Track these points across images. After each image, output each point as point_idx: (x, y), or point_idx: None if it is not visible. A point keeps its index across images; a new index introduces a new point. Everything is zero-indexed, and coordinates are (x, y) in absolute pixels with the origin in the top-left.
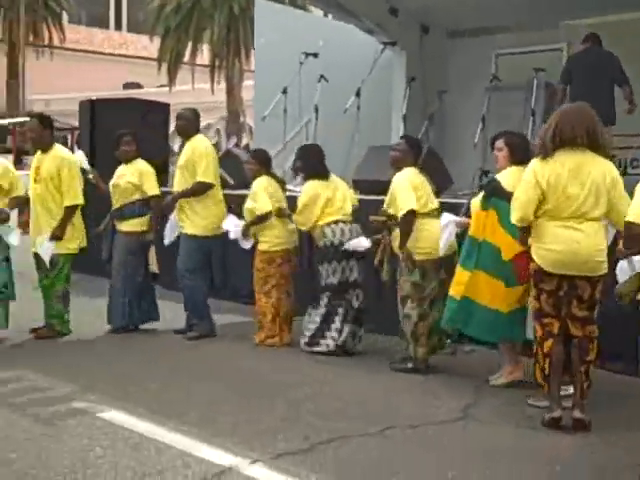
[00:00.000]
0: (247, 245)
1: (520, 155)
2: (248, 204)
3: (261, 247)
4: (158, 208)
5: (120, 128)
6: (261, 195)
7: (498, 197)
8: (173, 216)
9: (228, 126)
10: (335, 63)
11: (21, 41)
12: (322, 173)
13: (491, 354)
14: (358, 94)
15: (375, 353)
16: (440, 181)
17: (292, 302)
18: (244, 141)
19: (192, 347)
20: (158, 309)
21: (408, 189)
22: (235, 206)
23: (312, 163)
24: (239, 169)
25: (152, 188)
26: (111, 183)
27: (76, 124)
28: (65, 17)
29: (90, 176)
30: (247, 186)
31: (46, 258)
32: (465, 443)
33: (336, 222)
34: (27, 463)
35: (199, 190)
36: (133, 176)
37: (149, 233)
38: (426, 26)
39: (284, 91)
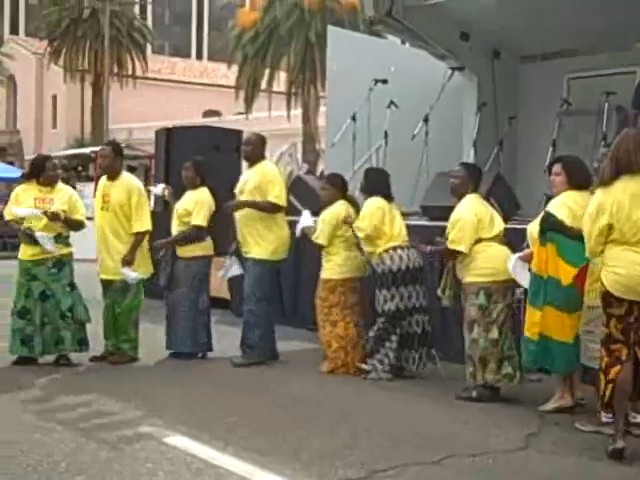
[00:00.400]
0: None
1: (578, 179)
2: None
3: (324, 275)
4: (197, 237)
5: (194, 155)
6: (325, 227)
7: (555, 231)
8: (232, 257)
9: (305, 153)
10: (404, 89)
11: (106, 72)
12: (387, 195)
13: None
14: (426, 120)
15: (439, 380)
16: (508, 207)
17: (360, 331)
18: (320, 167)
19: (256, 373)
20: (211, 339)
21: (469, 226)
22: None
23: (378, 185)
24: (308, 196)
25: (196, 217)
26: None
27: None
28: (148, 48)
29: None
30: (317, 212)
31: (133, 283)
32: (525, 474)
33: (394, 248)
34: None
35: (269, 209)
36: (189, 203)
37: (209, 258)
38: (497, 51)
39: (353, 117)
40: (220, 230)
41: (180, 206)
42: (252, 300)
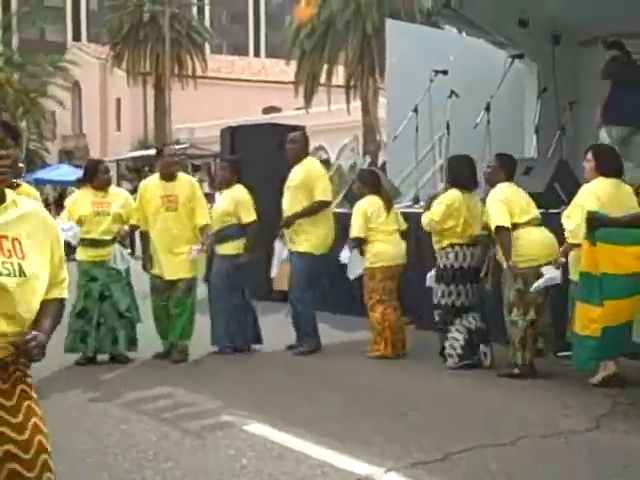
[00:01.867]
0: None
1: (606, 167)
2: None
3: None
4: (254, 232)
5: (258, 153)
6: (356, 219)
7: (600, 226)
8: (278, 243)
9: (365, 144)
10: (465, 78)
11: (167, 73)
12: (465, 186)
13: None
14: (488, 108)
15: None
16: (573, 192)
17: (399, 316)
18: (380, 159)
19: (315, 362)
20: (260, 332)
21: (498, 205)
22: None
23: (456, 176)
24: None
25: (247, 215)
26: (213, 207)
27: (218, 151)
28: (207, 48)
29: None
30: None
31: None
32: (598, 454)
33: (461, 245)
34: (180, 473)
35: (316, 209)
36: (226, 203)
37: (244, 256)
38: (557, 36)
39: (415, 109)
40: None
41: (219, 207)
42: (299, 291)
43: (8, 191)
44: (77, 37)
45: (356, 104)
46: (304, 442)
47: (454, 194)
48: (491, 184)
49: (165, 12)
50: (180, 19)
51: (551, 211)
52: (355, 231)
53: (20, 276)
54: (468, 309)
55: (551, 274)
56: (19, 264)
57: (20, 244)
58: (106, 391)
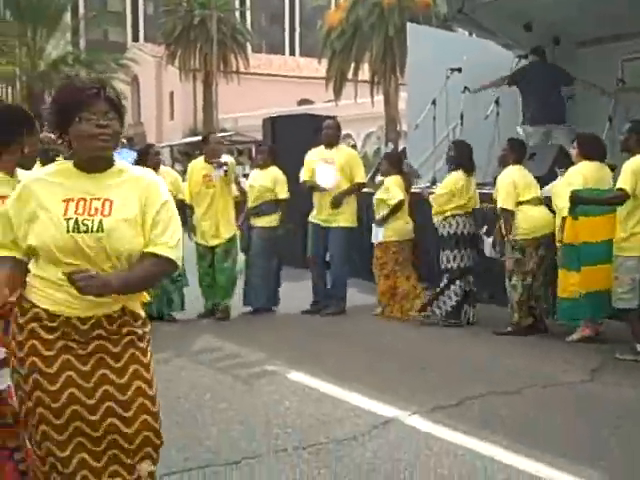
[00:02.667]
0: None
1: (589, 152)
2: (381, 195)
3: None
4: (285, 208)
5: (296, 141)
6: (393, 188)
7: (581, 203)
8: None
9: (387, 133)
10: (477, 75)
11: (214, 69)
12: (468, 167)
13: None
14: (497, 102)
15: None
16: None
17: (410, 284)
18: (400, 146)
19: (341, 322)
20: (279, 295)
21: (507, 189)
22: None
23: (459, 157)
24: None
25: (282, 192)
26: (247, 184)
27: (259, 138)
28: (248, 47)
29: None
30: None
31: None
32: (594, 403)
33: (460, 215)
34: (234, 412)
35: (360, 189)
36: (266, 180)
37: (279, 228)
38: (557, 38)
39: (433, 102)
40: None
41: (256, 182)
42: (341, 261)
43: (118, 161)
44: (136, 38)
45: (379, 98)
46: (338, 388)
47: (459, 176)
48: (503, 165)
49: (212, 16)
50: (225, 22)
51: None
52: (398, 196)
53: (98, 232)
54: (469, 271)
55: None
56: (100, 221)
57: (111, 204)
58: (165, 345)
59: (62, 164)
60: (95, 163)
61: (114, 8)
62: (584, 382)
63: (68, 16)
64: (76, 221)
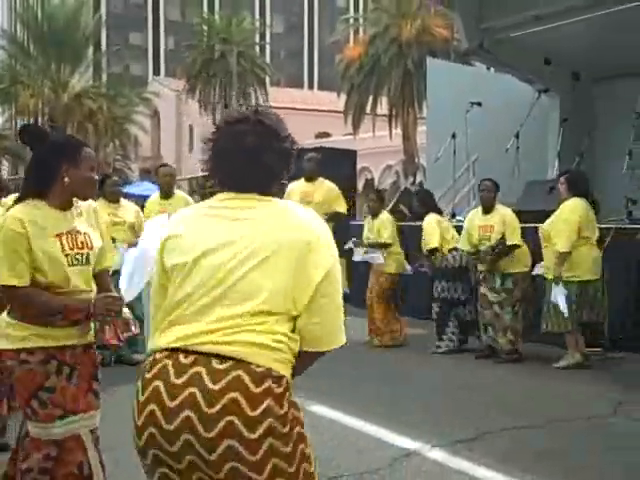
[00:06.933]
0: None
1: (577, 189)
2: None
3: (387, 269)
4: None
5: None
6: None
7: None
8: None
9: (405, 167)
10: (497, 109)
11: (233, 103)
12: (439, 210)
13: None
14: (517, 136)
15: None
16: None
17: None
18: (418, 179)
19: (372, 354)
20: None
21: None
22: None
23: (430, 204)
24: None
25: None
26: None
27: None
28: (268, 81)
29: None
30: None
31: None
32: (615, 436)
33: (450, 250)
34: None
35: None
36: None
37: None
38: (577, 73)
39: (453, 136)
40: None
41: None
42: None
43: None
44: (157, 72)
45: (397, 131)
46: (362, 422)
47: (436, 218)
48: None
49: (233, 51)
50: (245, 56)
51: None
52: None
53: None
54: (462, 302)
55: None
56: None
57: None
58: None
59: None
60: None
61: (136, 42)
62: (610, 415)
63: (90, 50)
64: None
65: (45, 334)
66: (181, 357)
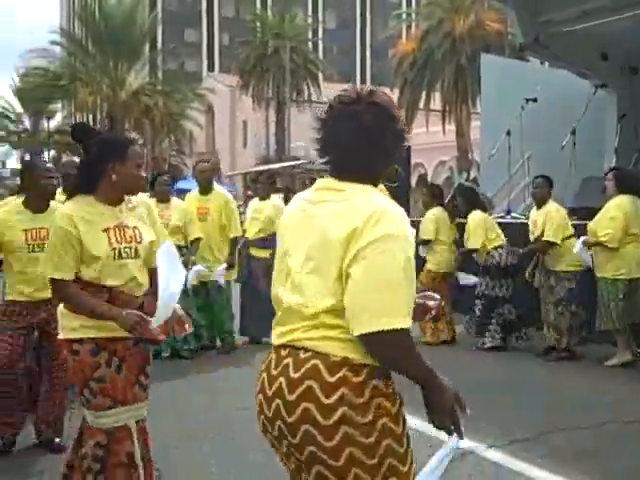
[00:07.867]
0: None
1: (625, 186)
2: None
3: (428, 266)
4: None
5: None
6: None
7: None
8: None
9: (459, 163)
10: (553, 105)
11: (287, 98)
12: (483, 207)
13: None
14: (574, 132)
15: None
16: None
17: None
18: (472, 175)
19: (421, 350)
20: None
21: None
22: None
23: (474, 200)
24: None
25: None
26: (249, 217)
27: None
28: (320, 76)
29: None
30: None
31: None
32: None
33: (496, 247)
34: None
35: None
36: (270, 211)
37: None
38: (634, 67)
39: (508, 132)
40: None
41: (260, 214)
42: None
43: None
44: (211, 68)
45: (451, 127)
46: (416, 419)
47: (481, 217)
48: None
49: (286, 46)
50: (298, 52)
51: None
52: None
53: None
54: (506, 300)
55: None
56: None
57: None
58: (192, 378)
59: None
60: None
61: (191, 39)
62: None
63: (147, 48)
64: None
65: (95, 325)
66: (281, 351)
